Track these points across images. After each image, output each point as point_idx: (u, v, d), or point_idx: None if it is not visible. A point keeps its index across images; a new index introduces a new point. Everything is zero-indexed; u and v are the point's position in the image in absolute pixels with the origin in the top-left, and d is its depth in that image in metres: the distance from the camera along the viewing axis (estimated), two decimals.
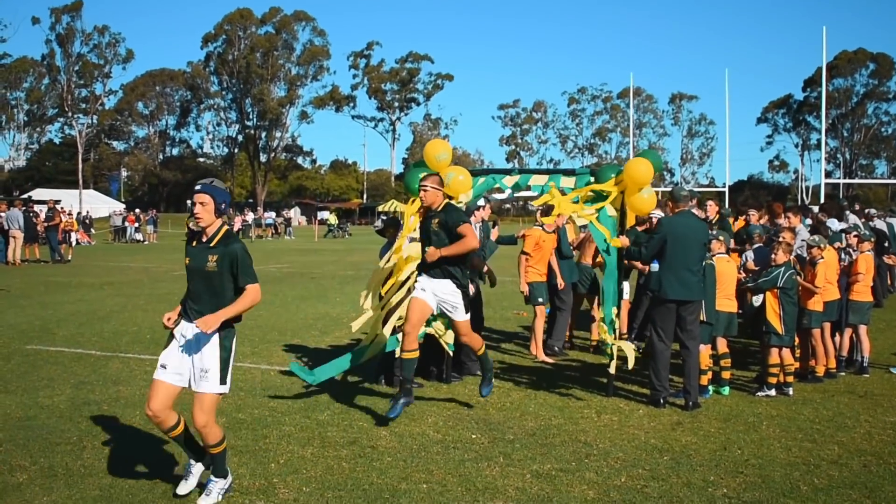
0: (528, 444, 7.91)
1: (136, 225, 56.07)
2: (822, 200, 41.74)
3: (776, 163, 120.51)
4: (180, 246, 49.08)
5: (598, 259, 12.53)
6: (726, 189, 67.99)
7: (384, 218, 11.40)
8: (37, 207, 38.91)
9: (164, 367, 6.25)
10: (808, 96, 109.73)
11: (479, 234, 11.52)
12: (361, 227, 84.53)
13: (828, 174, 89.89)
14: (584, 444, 7.94)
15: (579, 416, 9.05)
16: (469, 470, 7.13)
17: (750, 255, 11.49)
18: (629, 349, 9.87)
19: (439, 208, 8.63)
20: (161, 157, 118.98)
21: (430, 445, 7.84)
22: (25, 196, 63.82)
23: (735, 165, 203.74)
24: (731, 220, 14.75)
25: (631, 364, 9.74)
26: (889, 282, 19.36)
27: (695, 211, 11.50)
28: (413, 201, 10.14)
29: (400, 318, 9.87)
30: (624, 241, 10.12)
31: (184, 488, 6.38)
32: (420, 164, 10.37)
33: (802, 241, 11.37)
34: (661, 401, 9.49)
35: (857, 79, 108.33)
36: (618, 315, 10.13)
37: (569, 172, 10.42)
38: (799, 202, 72.67)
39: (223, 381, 6.24)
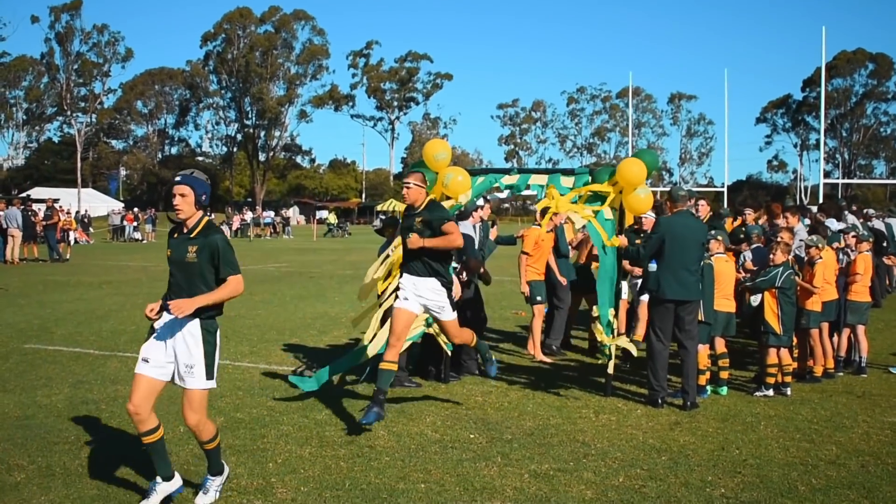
0: (526, 444, 7.91)
1: (135, 224, 56.08)
2: (821, 200, 41.74)
3: (775, 163, 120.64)
4: None
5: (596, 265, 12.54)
6: (725, 189, 68.00)
7: (383, 217, 11.42)
8: (35, 206, 38.93)
9: (145, 360, 6.13)
10: (807, 96, 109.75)
11: (478, 233, 11.54)
12: (360, 227, 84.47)
13: (826, 174, 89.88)
14: (583, 444, 7.94)
15: (577, 415, 9.05)
16: (467, 470, 7.13)
17: (748, 254, 11.49)
18: (627, 343, 9.89)
19: (422, 206, 8.50)
20: (160, 155, 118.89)
21: (428, 445, 7.84)
22: (24, 195, 63.76)
23: (734, 165, 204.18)
24: (729, 220, 14.76)
25: (635, 352, 9.79)
26: (887, 282, 19.38)
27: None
28: None
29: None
30: (622, 240, 10.13)
31: None
32: (419, 163, 10.36)
33: (801, 241, 11.38)
34: (659, 401, 9.50)
35: (856, 79, 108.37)
36: (616, 315, 10.12)
37: (568, 172, 10.42)
38: (797, 202, 72.74)
39: (210, 377, 6.15)
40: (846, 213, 16.72)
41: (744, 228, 12.93)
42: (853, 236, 12.03)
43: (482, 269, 11.39)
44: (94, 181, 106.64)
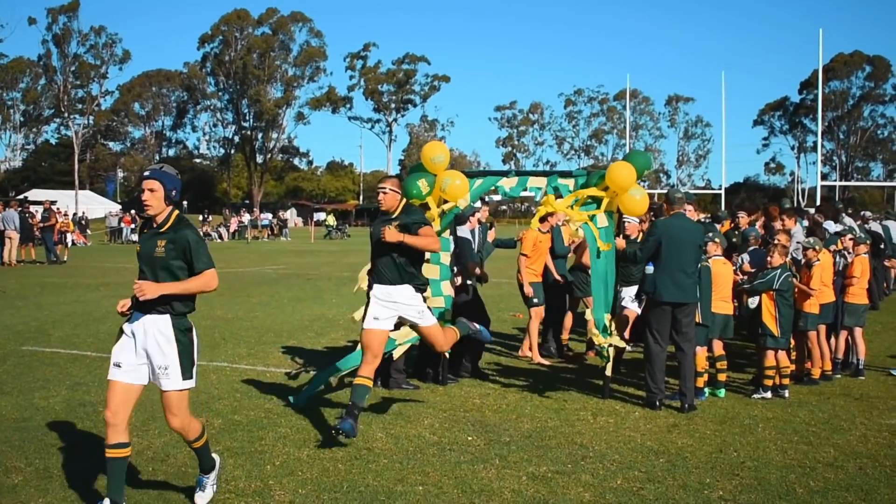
0: (524, 447, 7.91)
1: (133, 226, 55.98)
2: (818, 203, 41.76)
3: (772, 165, 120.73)
4: None
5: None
6: (722, 191, 68.01)
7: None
8: (33, 208, 38.89)
9: (117, 365, 5.95)
10: (804, 99, 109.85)
11: (477, 236, 11.55)
12: (358, 229, 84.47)
13: (824, 176, 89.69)
14: (580, 447, 7.94)
15: (575, 418, 9.05)
16: (465, 472, 7.13)
17: (746, 257, 11.50)
18: (619, 341, 9.89)
19: (397, 211, 8.28)
20: (157, 157, 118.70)
21: (426, 447, 7.84)
22: (21, 197, 63.63)
23: (731, 167, 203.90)
24: (727, 222, 14.76)
25: (623, 344, 9.79)
26: (885, 284, 19.40)
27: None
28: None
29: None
30: (620, 242, 10.13)
31: None
32: (418, 167, 10.34)
33: (798, 243, 11.39)
34: (657, 403, 9.50)
35: (854, 81, 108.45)
36: (611, 319, 10.10)
37: (566, 174, 10.41)
38: (795, 205, 72.83)
39: (186, 376, 5.99)
40: (843, 215, 16.73)
41: (736, 232, 12.94)
42: (850, 239, 12.04)
43: (480, 272, 11.40)
44: (91, 183, 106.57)
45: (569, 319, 13.21)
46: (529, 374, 11.46)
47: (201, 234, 6.24)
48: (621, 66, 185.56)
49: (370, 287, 8.34)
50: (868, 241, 12.02)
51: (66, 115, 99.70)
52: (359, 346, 9.58)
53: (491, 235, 12.63)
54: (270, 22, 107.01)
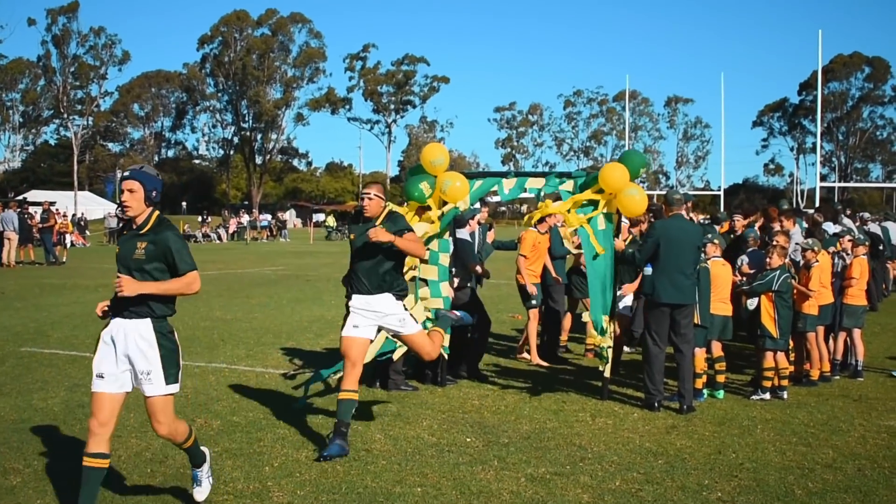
0: (522, 448, 7.91)
1: None
2: (818, 204, 41.77)
3: (771, 166, 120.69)
4: None
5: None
6: (721, 192, 68.08)
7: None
8: (32, 209, 38.89)
9: (100, 376, 5.75)
10: (803, 100, 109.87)
11: (477, 237, 11.55)
12: None
13: (823, 178, 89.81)
14: (579, 448, 7.95)
15: (574, 419, 9.05)
16: (463, 473, 7.13)
17: (744, 258, 11.50)
18: (608, 341, 9.88)
19: (381, 218, 7.97)
20: (156, 158, 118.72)
21: (425, 449, 7.84)
22: (20, 198, 63.63)
23: (730, 169, 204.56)
24: (726, 223, 14.76)
25: (607, 343, 9.77)
26: (883, 285, 19.40)
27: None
28: (410, 206, 10.15)
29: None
30: (619, 244, 10.12)
31: None
32: (418, 168, 10.34)
33: (796, 244, 11.39)
34: (656, 404, 9.50)
35: (853, 82, 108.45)
36: (610, 321, 10.08)
37: (565, 175, 10.41)
38: (794, 206, 72.76)
39: (170, 381, 5.81)
40: (842, 216, 16.74)
41: (731, 236, 12.93)
42: (849, 240, 12.05)
43: (481, 270, 11.41)
44: (90, 184, 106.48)
45: (567, 321, 13.22)
46: (528, 375, 11.46)
47: (183, 234, 6.15)
48: (620, 67, 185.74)
49: (348, 297, 8.12)
50: (867, 243, 12.02)
51: (65, 116, 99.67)
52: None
53: (490, 236, 12.63)
54: (270, 23, 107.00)
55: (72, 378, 10.64)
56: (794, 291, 10.55)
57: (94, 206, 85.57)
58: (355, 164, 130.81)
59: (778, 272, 10.17)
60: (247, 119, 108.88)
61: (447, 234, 10.48)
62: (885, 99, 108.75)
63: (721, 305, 10.38)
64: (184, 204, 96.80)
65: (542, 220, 11.97)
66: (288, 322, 16.07)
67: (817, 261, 10.83)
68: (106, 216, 59.21)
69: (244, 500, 6.45)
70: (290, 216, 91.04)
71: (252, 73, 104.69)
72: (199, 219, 66.77)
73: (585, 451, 7.86)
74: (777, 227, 11.86)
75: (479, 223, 11.67)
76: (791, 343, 10.70)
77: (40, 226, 33.12)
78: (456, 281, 10.82)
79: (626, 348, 13.10)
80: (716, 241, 10.64)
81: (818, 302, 10.92)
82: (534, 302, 12.24)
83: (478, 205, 11.30)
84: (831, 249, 11.88)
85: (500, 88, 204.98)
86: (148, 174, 5.91)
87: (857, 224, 17.26)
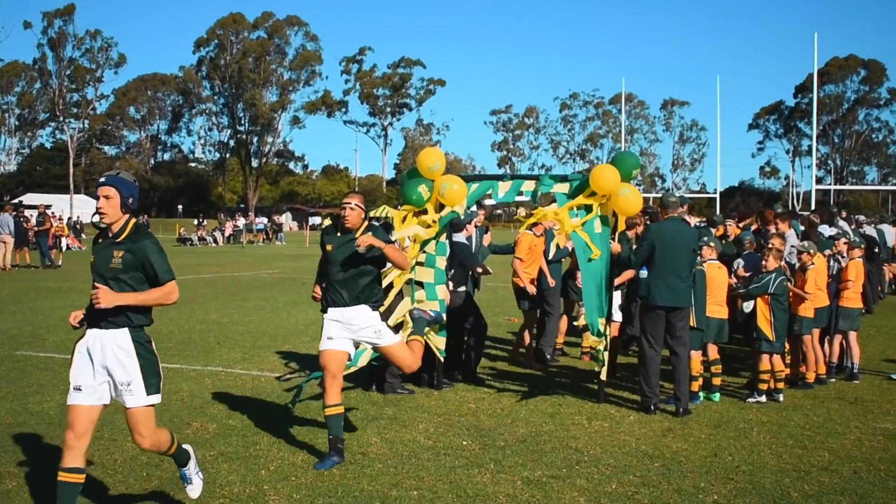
0: (519, 451, 7.91)
1: None
2: (813, 207, 41.81)
3: (767, 169, 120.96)
4: (171, 251, 48.93)
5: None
6: (717, 195, 68.11)
7: (375, 224, 11.34)
8: (27, 212, 38.81)
9: (78, 389, 5.63)
10: (799, 102, 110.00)
11: (474, 240, 11.55)
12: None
13: (819, 180, 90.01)
14: (575, 451, 7.95)
15: (570, 422, 9.05)
16: (460, 476, 7.12)
17: (740, 261, 11.51)
18: (602, 343, 9.86)
19: (360, 230, 7.76)
20: (152, 161, 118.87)
21: (421, 452, 7.84)
22: (16, 201, 63.63)
23: (726, 171, 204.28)
24: (722, 226, 14.75)
25: (603, 346, 9.76)
26: (879, 288, 19.40)
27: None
28: (406, 209, 10.13)
29: (397, 320, 9.84)
30: (616, 247, 10.12)
31: None
32: (414, 172, 10.31)
33: (792, 247, 11.40)
34: (652, 407, 9.50)
35: (849, 85, 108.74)
36: (607, 323, 10.07)
37: (561, 178, 10.39)
38: (790, 208, 72.80)
39: (151, 391, 5.66)
40: (838, 218, 16.75)
41: (723, 242, 12.93)
42: (845, 242, 12.06)
43: (481, 271, 11.43)
44: (86, 187, 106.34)
45: (563, 323, 13.21)
46: (524, 378, 11.46)
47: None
48: (617, 69, 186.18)
49: (324, 311, 7.92)
50: (862, 245, 12.03)
51: (61, 118, 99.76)
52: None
53: (487, 239, 12.63)
54: (266, 26, 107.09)
55: (67, 382, 10.57)
56: (790, 294, 10.56)
57: (89, 210, 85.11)
58: (351, 167, 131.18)
59: (774, 275, 10.18)
60: (243, 122, 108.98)
61: (443, 237, 10.46)
62: (881, 102, 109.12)
63: (717, 308, 10.39)
64: (180, 207, 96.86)
65: (536, 223, 11.96)
66: (284, 325, 16.06)
67: (813, 263, 10.84)
68: None
69: None
70: (286, 219, 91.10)
71: (248, 75, 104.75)
72: (195, 222, 66.79)
73: (582, 454, 7.86)
74: (773, 229, 11.87)
75: (475, 226, 11.67)
76: (787, 346, 10.71)
77: (36, 229, 33.04)
78: (451, 284, 10.81)
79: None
80: (711, 243, 10.64)
81: (814, 304, 10.93)
82: (531, 304, 12.23)
83: (474, 208, 11.28)
84: (827, 252, 11.90)
85: (496, 91, 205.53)
86: (125, 180, 5.77)
87: (853, 227, 17.27)
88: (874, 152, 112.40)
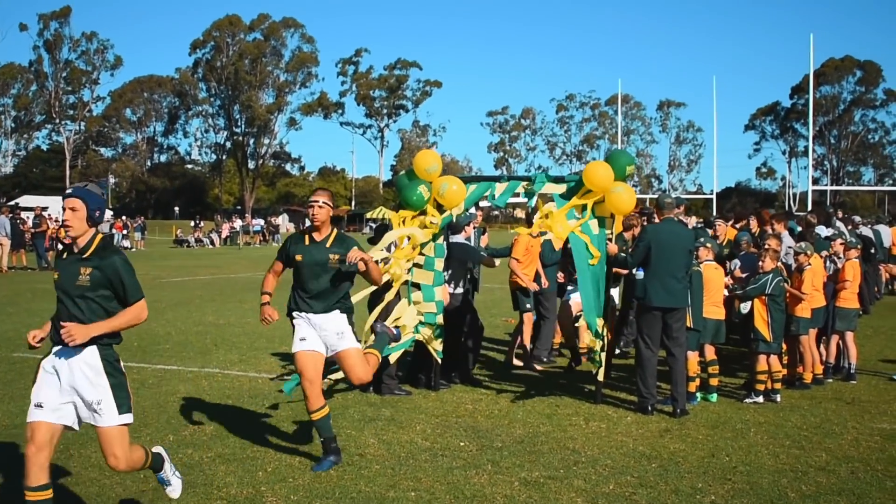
0: (516, 452, 7.91)
1: (124, 232, 55.93)
2: (810, 207, 41.87)
3: (763, 170, 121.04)
4: (168, 253, 49.01)
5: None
6: (714, 196, 68.22)
7: (373, 225, 11.35)
8: (24, 214, 38.84)
9: (39, 406, 5.41)
10: (795, 103, 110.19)
11: (472, 241, 11.55)
12: (349, 234, 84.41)
13: (815, 181, 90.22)
14: (573, 452, 7.95)
15: (567, 423, 9.05)
16: (457, 478, 7.12)
17: (737, 262, 11.52)
18: (596, 343, 9.85)
19: (330, 240, 7.54)
20: (149, 163, 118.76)
21: (419, 453, 7.83)
22: (12, 203, 63.60)
23: (723, 172, 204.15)
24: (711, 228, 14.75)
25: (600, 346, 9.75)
26: (876, 288, 19.43)
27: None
28: (402, 213, 10.12)
29: (395, 320, 9.84)
30: (612, 247, 10.12)
31: None
32: (410, 174, 10.28)
33: (788, 247, 11.41)
34: (649, 408, 9.50)
35: (844, 86, 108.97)
36: (605, 324, 10.08)
37: (559, 180, 10.39)
38: (787, 209, 72.98)
39: (123, 410, 5.48)
40: (835, 219, 16.76)
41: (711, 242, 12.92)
42: (841, 243, 12.07)
43: (488, 262, 11.48)
44: None
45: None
46: (521, 379, 11.46)
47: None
48: (613, 71, 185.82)
49: (289, 315, 7.77)
50: (859, 246, 12.04)
51: (57, 121, 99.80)
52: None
53: (484, 241, 12.62)
54: (262, 28, 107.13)
55: None
56: (787, 295, 10.57)
57: None
58: (348, 168, 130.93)
59: (771, 276, 10.19)
60: (239, 124, 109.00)
61: (440, 238, 10.45)
62: (877, 102, 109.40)
63: (714, 309, 10.40)
64: (176, 209, 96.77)
65: (532, 223, 11.93)
66: (280, 327, 15.94)
67: (810, 264, 10.85)
68: None
69: None
70: (282, 221, 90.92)
71: (244, 77, 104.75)
72: (192, 224, 66.70)
73: (579, 454, 7.86)
74: (769, 230, 11.88)
75: (473, 227, 11.66)
76: (784, 346, 10.72)
77: (32, 231, 33.05)
78: (451, 285, 10.81)
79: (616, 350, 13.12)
80: (708, 244, 10.65)
81: (811, 305, 10.93)
82: (528, 307, 12.23)
83: (473, 210, 11.28)
84: (823, 253, 11.91)
85: (492, 92, 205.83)
86: (92, 193, 5.59)
87: (849, 227, 17.29)
88: (870, 153, 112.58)
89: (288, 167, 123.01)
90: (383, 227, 10.72)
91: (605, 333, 9.99)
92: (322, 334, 7.52)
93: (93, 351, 5.46)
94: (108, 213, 73.98)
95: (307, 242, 7.60)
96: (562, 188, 10.17)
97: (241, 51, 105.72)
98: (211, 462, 7.44)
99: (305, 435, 8.37)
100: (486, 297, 19.61)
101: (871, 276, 16.40)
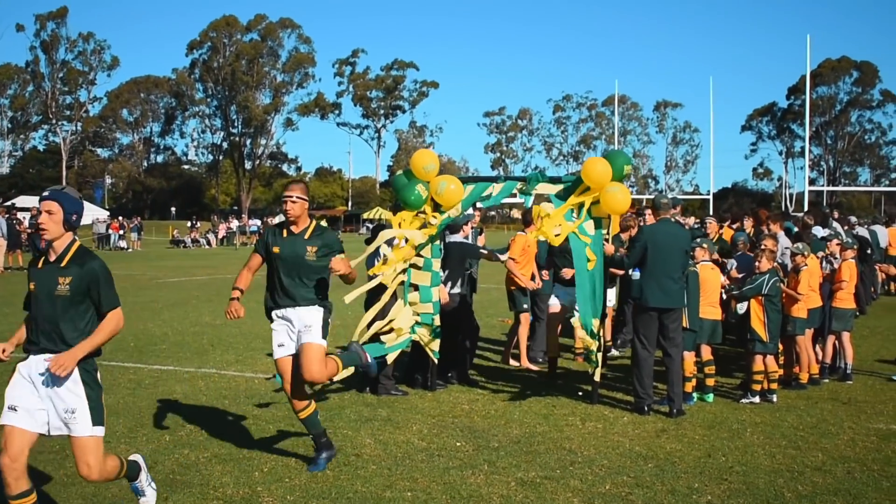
0: (512, 452, 7.90)
1: (121, 232, 55.89)
2: (806, 208, 41.90)
3: (760, 170, 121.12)
4: (165, 253, 48.95)
5: None
6: (710, 196, 68.25)
7: (369, 226, 11.33)
8: (20, 214, 38.76)
9: (13, 409, 5.36)
10: (792, 104, 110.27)
11: (469, 240, 11.55)
12: (346, 234, 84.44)
13: (811, 181, 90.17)
14: (569, 452, 7.94)
15: (564, 423, 9.05)
16: (454, 478, 7.12)
17: (733, 262, 11.53)
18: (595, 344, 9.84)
19: (309, 232, 7.42)
20: (145, 164, 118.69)
21: (415, 453, 7.83)
22: (9, 203, 63.48)
23: (719, 173, 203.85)
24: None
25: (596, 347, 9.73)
26: (872, 289, 19.45)
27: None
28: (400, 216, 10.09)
29: (391, 321, 9.82)
30: (609, 248, 10.12)
31: None
32: (408, 173, 10.27)
33: (785, 248, 11.41)
34: (646, 408, 9.51)
35: (841, 87, 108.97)
36: (602, 324, 10.07)
37: (555, 180, 10.38)
38: (783, 209, 73.00)
39: (97, 422, 5.41)
40: (831, 219, 16.77)
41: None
42: (837, 244, 12.08)
43: (490, 256, 11.48)
44: (79, 189, 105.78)
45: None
46: (517, 379, 11.46)
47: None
48: (610, 71, 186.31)
49: (268, 315, 7.61)
50: (855, 246, 12.05)
51: (53, 121, 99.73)
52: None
53: (481, 241, 12.63)
54: (259, 28, 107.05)
55: None
56: (783, 295, 10.57)
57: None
58: (345, 169, 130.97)
59: (767, 276, 10.20)
60: (236, 124, 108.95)
61: (437, 240, 10.44)
62: (874, 103, 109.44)
63: (710, 309, 10.40)
64: (173, 209, 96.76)
65: (530, 223, 11.92)
66: None
67: (806, 265, 10.86)
68: (94, 221, 59.06)
69: None
70: (279, 221, 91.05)
71: (241, 78, 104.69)
72: (189, 224, 66.77)
73: (575, 454, 7.86)
74: (766, 230, 11.88)
75: (471, 227, 11.66)
76: (780, 346, 10.72)
77: (29, 231, 33.02)
78: (449, 285, 10.81)
79: (615, 352, 13.14)
80: (704, 245, 10.65)
81: (807, 305, 10.94)
82: (525, 307, 12.23)
83: (470, 210, 11.27)
84: (820, 254, 11.92)
85: (489, 93, 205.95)
86: (69, 196, 5.50)
87: (845, 228, 17.30)
88: (867, 153, 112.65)
89: (285, 168, 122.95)
90: (380, 228, 10.71)
91: (601, 334, 9.98)
92: (294, 328, 7.35)
93: None
94: (105, 214, 74.10)
95: (285, 235, 7.49)
96: (557, 188, 10.15)
97: (238, 51, 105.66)
98: (207, 462, 7.43)
99: (302, 435, 8.36)
100: (483, 297, 19.59)
101: (868, 277, 16.41)
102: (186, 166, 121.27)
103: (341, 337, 12.79)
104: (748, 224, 13.59)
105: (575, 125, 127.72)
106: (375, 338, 9.85)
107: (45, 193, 5.46)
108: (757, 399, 10.14)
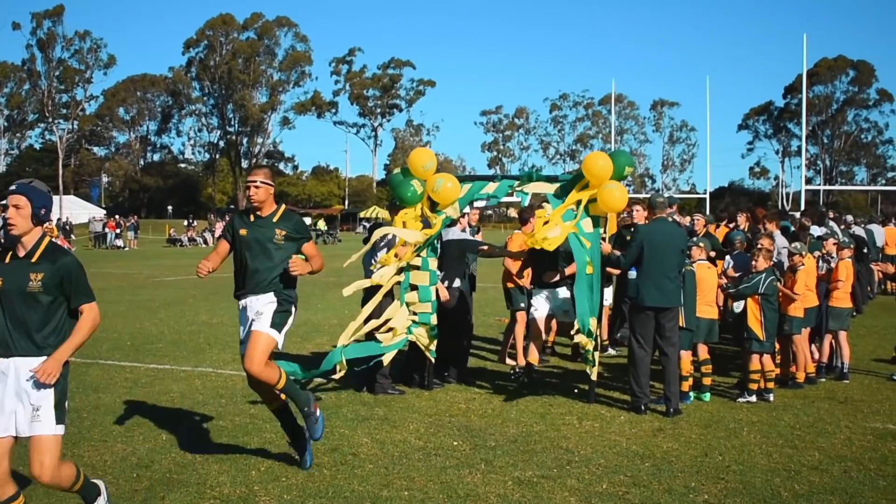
0: (509, 451, 7.91)
1: (117, 231, 55.85)
2: (803, 207, 41.91)
3: (757, 169, 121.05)
4: (161, 252, 48.90)
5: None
6: (707, 195, 68.19)
7: (366, 225, 11.33)
8: None
9: None
10: (788, 103, 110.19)
11: (467, 238, 11.55)
12: (343, 233, 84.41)
13: (808, 181, 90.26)
14: (566, 451, 7.95)
15: (561, 422, 9.05)
16: (451, 477, 7.12)
17: (730, 261, 11.53)
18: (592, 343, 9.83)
19: (277, 216, 7.24)
20: (142, 162, 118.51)
21: (412, 452, 7.83)
22: (4, 202, 63.52)
23: (716, 172, 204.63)
24: (712, 226, 14.78)
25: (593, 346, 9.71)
26: (868, 288, 19.47)
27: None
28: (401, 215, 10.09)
29: (387, 320, 9.82)
30: (606, 247, 10.12)
31: None
32: (405, 171, 10.26)
33: (782, 247, 11.42)
34: (642, 407, 9.51)
35: (838, 86, 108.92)
36: (599, 322, 10.08)
37: (552, 179, 10.38)
38: (780, 208, 72.97)
39: (59, 421, 5.32)
40: (828, 219, 16.80)
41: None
42: (834, 243, 12.09)
43: (489, 250, 11.45)
44: (75, 188, 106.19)
45: (554, 322, 13.19)
46: (515, 378, 11.45)
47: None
48: (606, 70, 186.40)
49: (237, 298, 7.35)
50: (852, 246, 12.06)
51: (50, 119, 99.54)
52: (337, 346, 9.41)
53: (478, 239, 12.61)
54: (256, 27, 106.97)
55: None
56: (780, 294, 10.58)
57: (79, 211, 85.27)
58: (342, 167, 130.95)
59: (764, 275, 10.20)
60: (232, 123, 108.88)
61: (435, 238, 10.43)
62: (870, 102, 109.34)
63: (707, 308, 10.40)
64: (169, 208, 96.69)
65: (527, 221, 11.91)
66: None
67: (803, 264, 10.86)
68: (91, 220, 59.11)
69: None
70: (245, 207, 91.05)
71: (238, 76, 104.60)
72: (185, 223, 66.74)
73: (572, 454, 7.86)
74: (762, 229, 11.89)
75: (469, 225, 11.65)
76: (777, 345, 10.73)
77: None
78: (446, 282, 10.80)
79: (612, 350, 13.14)
80: (701, 244, 10.66)
81: (804, 304, 10.95)
82: (522, 305, 12.22)
83: (467, 209, 11.27)
84: (816, 253, 11.92)
85: (486, 92, 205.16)
86: (37, 189, 5.43)
87: (842, 227, 17.33)
88: (863, 153, 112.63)
89: (281, 166, 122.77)
90: (377, 227, 10.70)
91: (598, 333, 9.97)
92: (250, 314, 7.11)
93: (43, 360, 5.29)
94: (101, 212, 74.07)
95: (252, 219, 7.25)
96: (554, 187, 10.16)
97: (235, 50, 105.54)
98: (204, 461, 7.43)
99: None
100: (480, 295, 19.55)
101: (864, 276, 16.43)
102: (183, 165, 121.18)
103: (339, 337, 12.74)
104: (742, 220, 13.62)
105: (572, 124, 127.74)
106: (371, 337, 9.87)
107: (13, 187, 5.39)
108: (754, 398, 10.14)
